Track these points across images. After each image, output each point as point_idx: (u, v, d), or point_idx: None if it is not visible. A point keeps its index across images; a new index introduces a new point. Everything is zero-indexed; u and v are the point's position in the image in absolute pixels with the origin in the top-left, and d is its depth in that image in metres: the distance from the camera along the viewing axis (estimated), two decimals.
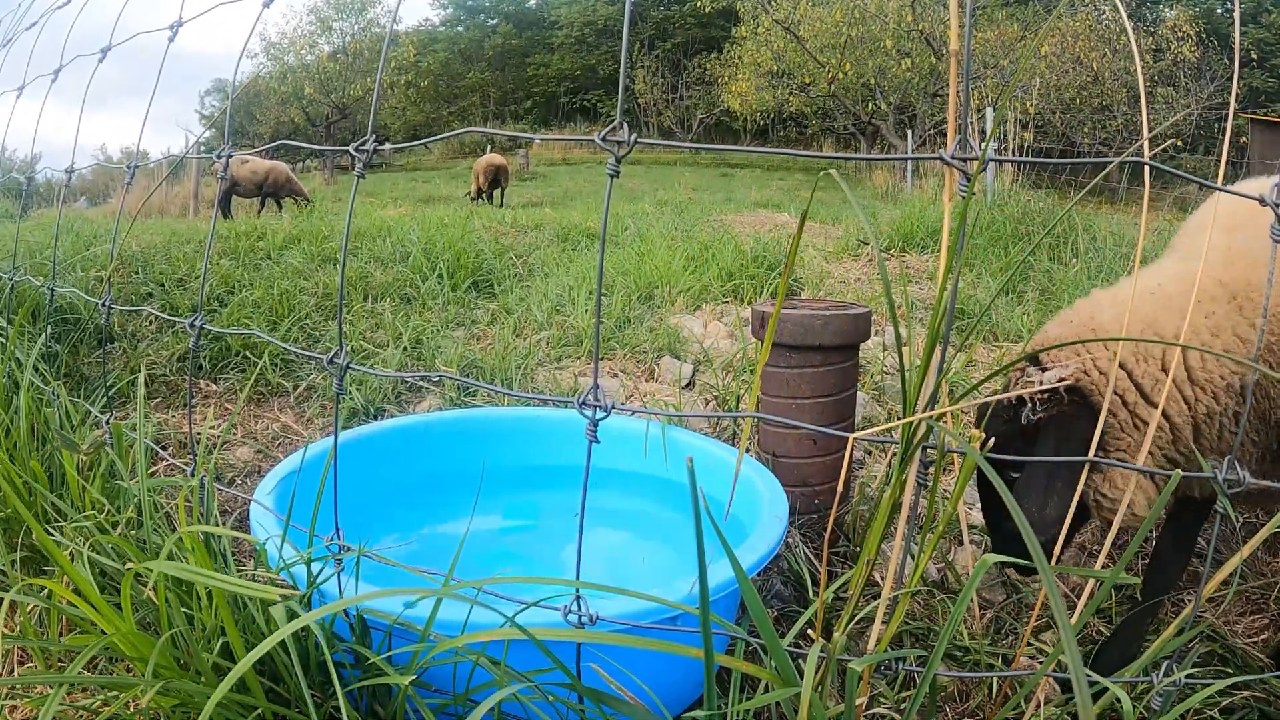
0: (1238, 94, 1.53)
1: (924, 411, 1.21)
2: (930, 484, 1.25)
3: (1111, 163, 1.28)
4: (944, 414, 1.23)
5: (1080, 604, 1.65)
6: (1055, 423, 1.81)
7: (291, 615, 1.46)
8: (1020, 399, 1.86)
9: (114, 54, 2.58)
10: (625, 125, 1.20)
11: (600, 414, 1.30)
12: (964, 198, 1.16)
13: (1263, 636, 2.34)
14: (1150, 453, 1.81)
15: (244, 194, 17.09)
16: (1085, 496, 1.91)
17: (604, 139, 1.21)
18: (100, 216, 10.77)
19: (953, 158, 1.17)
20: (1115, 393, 1.81)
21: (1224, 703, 1.91)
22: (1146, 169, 1.72)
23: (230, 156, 1.93)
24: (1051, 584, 0.96)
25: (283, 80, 36.23)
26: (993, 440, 1.96)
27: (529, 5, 54.96)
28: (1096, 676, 1.26)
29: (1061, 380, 1.83)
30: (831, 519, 1.37)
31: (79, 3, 2.88)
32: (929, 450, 1.27)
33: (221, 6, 2.12)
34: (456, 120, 48.15)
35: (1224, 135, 1.67)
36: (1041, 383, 1.84)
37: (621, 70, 1.27)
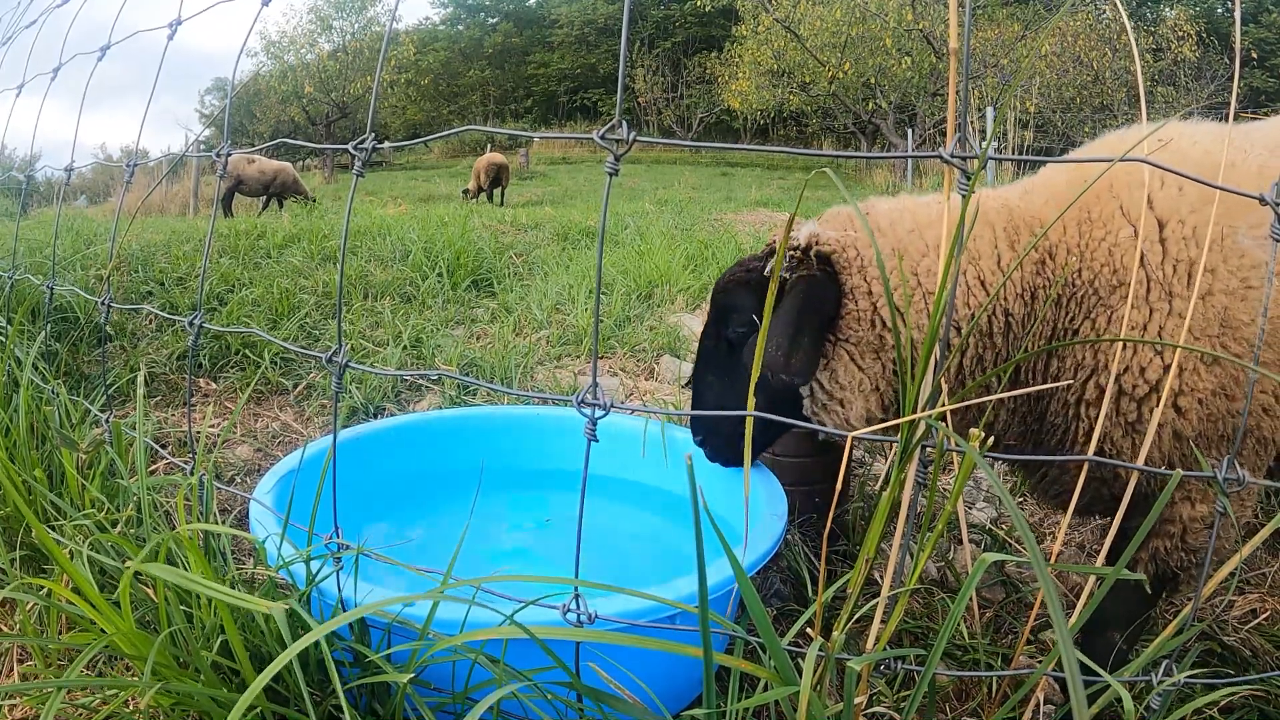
0: (1238, 93, 1.53)
1: (923, 410, 1.21)
2: (929, 483, 1.25)
3: (1113, 162, 1.28)
4: (943, 413, 1.23)
5: (1080, 603, 1.65)
6: (802, 285, 1.83)
7: (293, 615, 1.46)
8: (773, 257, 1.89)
9: (113, 52, 2.58)
10: (624, 124, 1.20)
11: (599, 412, 1.30)
12: (963, 197, 1.16)
13: (1257, 621, 2.35)
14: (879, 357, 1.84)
15: (249, 193, 17.11)
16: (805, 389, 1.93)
17: (603, 137, 1.21)
18: (100, 215, 10.77)
19: (951, 156, 1.17)
20: (865, 280, 1.83)
21: (1223, 701, 1.91)
22: (1147, 169, 1.72)
23: (229, 155, 1.93)
24: (1048, 581, 0.96)
25: (283, 79, 36.26)
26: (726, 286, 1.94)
27: (529, 4, 55.00)
28: (1101, 672, 1.26)
29: (814, 237, 1.86)
30: (830, 518, 1.37)
31: (78, 1, 2.88)
32: (928, 449, 1.26)
33: (221, 5, 2.12)
34: (456, 119, 48.17)
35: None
36: (798, 237, 1.88)
37: (620, 69, 1.26)
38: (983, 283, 1.81)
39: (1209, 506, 1.79)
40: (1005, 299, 1.80)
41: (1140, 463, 1.59)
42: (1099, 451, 1.80)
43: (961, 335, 1.74)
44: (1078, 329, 1.78)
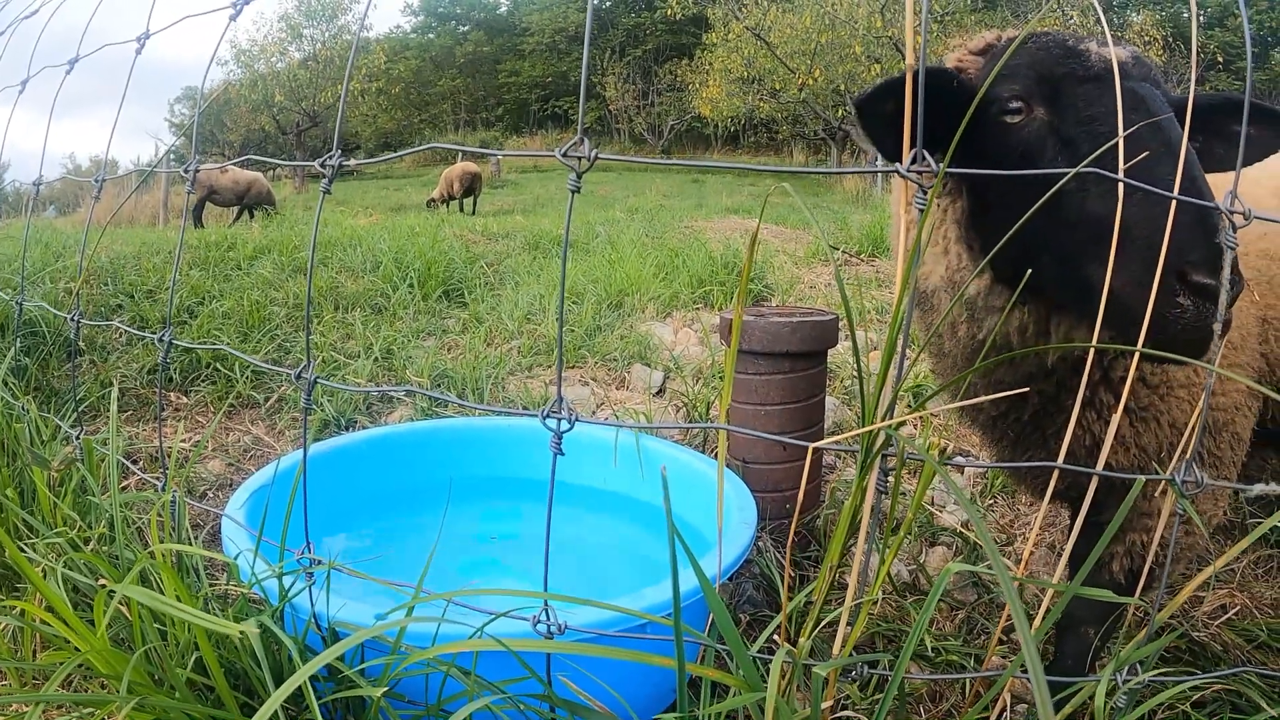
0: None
1: (883, 420, 1.23)
2: (891, 490, 1.27)
3: (1069, 172, 1.31)
4: (902, 422, 1.25)
5: (1044, 604, 1.67)
6: None
7: (265, 630, 1.47)
8: None
9: (82, 61, 2.57)
10: (585, 140, 1.22)
11: (565, 426, 1.32)
12: (920, 210, 1.18)
13: (1226, 617, 2.39)
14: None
15: (223, 203, 16.98)
16: None
17: (565, 155, 1.22)
18: (69, 226, 10.68)
19: (909, 171, 1.19)
20: None
21: (1195, 696, 1.94)
22: (1121, 186, 1.74)
23: (198, 169, 1.93)
24: (1011, 593, 0.98)
25: (253, 87, 35.93)
26: None
27: (500, 12, 54.99)
28: (1072, 676, 1.29)
29: None
30: (794, 524, 1.39)
31: (46, 13, 2.86)
32: (890, 457, 1.29)
33: (190, 15, 2.12)
34: (428, 127, 48.08)
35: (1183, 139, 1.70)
36: None
37: (583, 84, 1.28)
38: None
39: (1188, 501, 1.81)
40: None
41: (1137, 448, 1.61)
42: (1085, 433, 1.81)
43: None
44: None
